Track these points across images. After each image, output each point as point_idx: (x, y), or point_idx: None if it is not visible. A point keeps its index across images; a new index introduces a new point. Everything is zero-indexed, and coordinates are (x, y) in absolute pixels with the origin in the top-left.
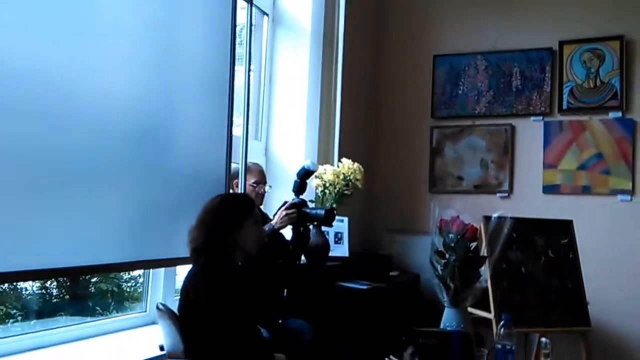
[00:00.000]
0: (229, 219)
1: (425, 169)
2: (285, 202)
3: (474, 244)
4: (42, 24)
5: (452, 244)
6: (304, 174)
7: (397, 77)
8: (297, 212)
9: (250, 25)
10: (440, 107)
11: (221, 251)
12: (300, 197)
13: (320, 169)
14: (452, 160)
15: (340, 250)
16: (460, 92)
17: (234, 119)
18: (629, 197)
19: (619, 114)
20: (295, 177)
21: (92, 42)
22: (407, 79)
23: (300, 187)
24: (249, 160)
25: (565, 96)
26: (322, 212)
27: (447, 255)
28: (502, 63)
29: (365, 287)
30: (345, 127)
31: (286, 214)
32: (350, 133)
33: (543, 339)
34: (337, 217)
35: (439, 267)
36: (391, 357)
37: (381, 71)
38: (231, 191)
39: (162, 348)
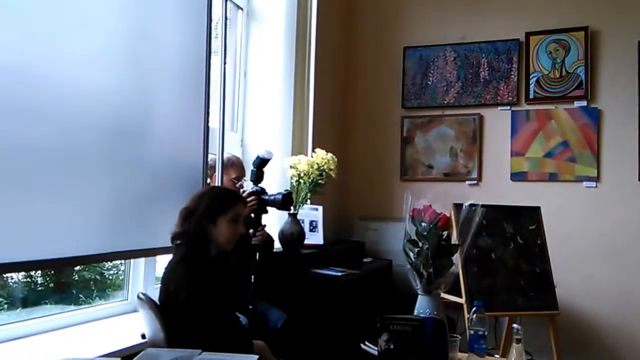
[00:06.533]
0: (203, 212)
1: (396, 158)
2: (244, 191)
3: (445, 233)
4: (12, 16)
5: (425, 233)
6: (260, 163)
7: (369, 69)
8: (257, 200)
9: (225, 18)
10: (410, 98)
11: (197, 242)
12: (259, 185)
13: (295, 159)
14: (422, 149)
15: (315, 238)
16: (429, 82)
17: (210, 110)
18: (594, 184)
19: (584, 103)
20: (253, 166)
21: (67, 35)
22: (378, 70)
23: (257, 175)
24: (226, 152)
25: (531, 86)
26: (280, 196)
27: (420, 244)
28: (470, 54)
29: (339, 273)
30: (319, 118)
31: (250, 203)
32: (324, 124)
33: (515, 325)
34: (311, 206)
35: (412, 255)
36: (367, 343)
37: (353, 63)
38: (215, 183)
39: (143, 336)
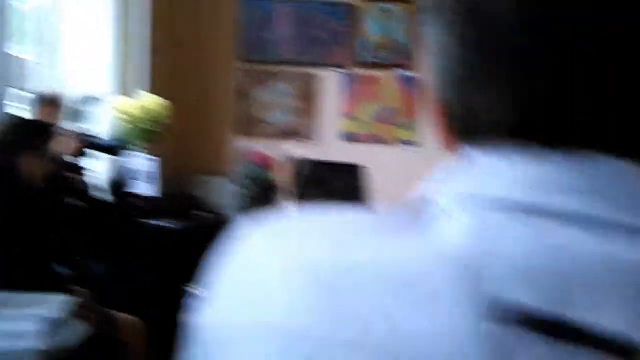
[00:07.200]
0: (11, 144)
1: (231, 113)
2: (67, 131)
3: (272, 176)
4: None
5: (254, 176)
6: (87, 102)
7: (203, 18)
8: (83, 142)
9: None
10: (247, 51)
11: (3, 175)
12: (84, 126)
13: (124, 102)
14: (258, 105)
15: (146, 188)
16: (267, 37)
17: (17, 39)
18: (414, 147)
19: (409, 71)
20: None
21: None
22: (213, 20)
23: (82, 116)
24: (42, 87)
25: (362, 51)
26: (110, 141)
27: (248, 184)
28: (308, 13)
29: (170, 225)
30: (151, 62)
31: (67, 144)
32: (156, 69)
33: None
34: (143, 155)
35: (242, 195)
36: (189, 285)
37: (186, 10)
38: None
39: None
